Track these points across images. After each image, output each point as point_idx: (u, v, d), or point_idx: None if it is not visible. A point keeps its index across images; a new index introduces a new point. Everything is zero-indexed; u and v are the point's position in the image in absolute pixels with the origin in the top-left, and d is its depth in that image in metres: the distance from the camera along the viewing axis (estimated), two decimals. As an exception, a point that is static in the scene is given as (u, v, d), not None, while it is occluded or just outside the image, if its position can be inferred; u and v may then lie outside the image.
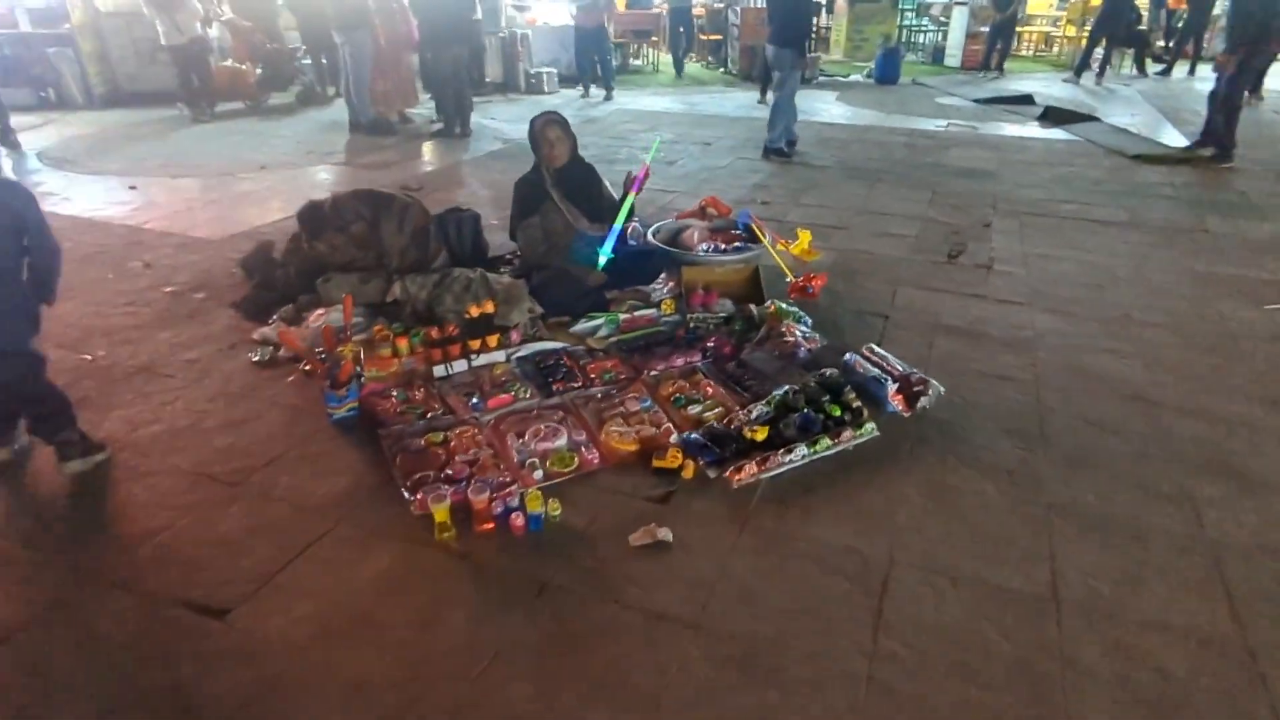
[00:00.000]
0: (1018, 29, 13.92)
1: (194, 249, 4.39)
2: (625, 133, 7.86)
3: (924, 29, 15.10)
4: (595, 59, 10.25)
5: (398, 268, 3.41)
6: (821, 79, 12.05)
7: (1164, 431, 2.64)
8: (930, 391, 2.74)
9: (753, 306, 3.36)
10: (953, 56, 13.54)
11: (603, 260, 3.39)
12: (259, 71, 9.46)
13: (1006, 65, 12.75)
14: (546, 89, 10.75)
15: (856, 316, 3.51)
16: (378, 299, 3.36)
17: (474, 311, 2.99)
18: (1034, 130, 8.14)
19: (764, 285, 3.52)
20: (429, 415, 2.66)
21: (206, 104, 8.62)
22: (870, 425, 2.58)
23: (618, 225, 3.40)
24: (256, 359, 3.07)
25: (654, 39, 13.07)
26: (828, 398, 2.68)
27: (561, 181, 3.57)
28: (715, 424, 2.59)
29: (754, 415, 2.62)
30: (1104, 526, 2.19)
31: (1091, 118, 8.50)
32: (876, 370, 2.83)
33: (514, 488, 2.22)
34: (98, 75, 9.45)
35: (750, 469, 2.35)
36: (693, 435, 2.51)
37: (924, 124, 8.39)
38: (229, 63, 9.41)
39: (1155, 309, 3.61)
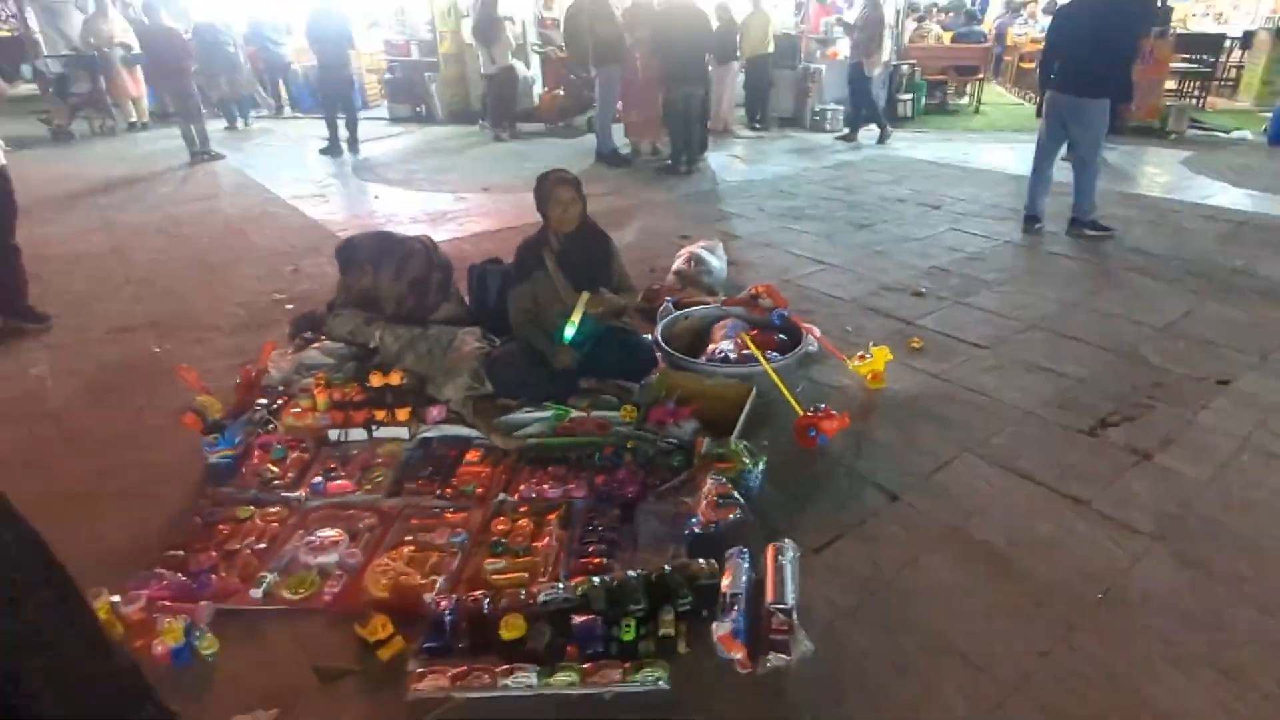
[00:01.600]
0: None
1: (345, 260, 4.78)
2: (859, 184, 6.79)
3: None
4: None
5: (392, 315, 3.27)
6: (1193, 133, 9.16)
7: None
8: (794, 650, 1.75)
9: (706, 441, 2.54)
10: None
11: (570, 332, 2.84)
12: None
13: None
14: (829, 126, 9.89)
15: (850, 487, 2.45)
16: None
17: (374, 380, 2.72)
18: None
19: (746, 415, 2.65)
20: (274, 483, 2.48)
21: (508, 124, 9.55)
22: (657, 673, 1.72)
23: (570, 326, 2.82)
24: (240, 381, 3.18)
25: (980, 75, 11.15)
26: (641, 607, 1.87)
27: (564, 249, 3.08)
28: (487, 596, 1.97)
29: (542, 598, 1.94)
30: None
31: None
32: (741, 589, 1.90)
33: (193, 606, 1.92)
34: (452, 95, 11.07)
35: (438, 679, 1.72)
36: (439, 602, 1.93)
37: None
38: (543, 89, 10.34)
39: None
